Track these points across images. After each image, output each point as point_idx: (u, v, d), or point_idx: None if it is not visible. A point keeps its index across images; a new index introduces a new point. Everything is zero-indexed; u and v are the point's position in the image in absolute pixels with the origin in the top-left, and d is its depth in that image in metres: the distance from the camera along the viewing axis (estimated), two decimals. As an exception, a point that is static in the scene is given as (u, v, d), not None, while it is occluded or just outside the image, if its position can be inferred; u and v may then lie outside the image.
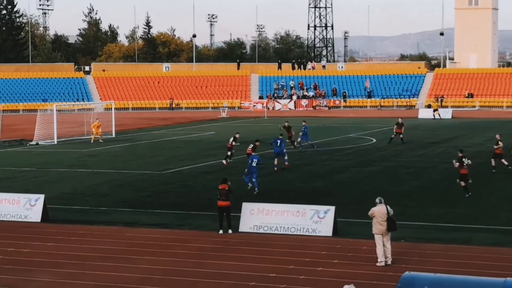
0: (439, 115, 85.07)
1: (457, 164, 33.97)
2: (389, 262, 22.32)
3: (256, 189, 35.05)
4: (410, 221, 28.29)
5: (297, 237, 25.91)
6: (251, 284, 20.46)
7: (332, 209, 26.42)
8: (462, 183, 33.58)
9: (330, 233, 25.96)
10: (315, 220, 26.34)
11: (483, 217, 29.10)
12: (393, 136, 56.42)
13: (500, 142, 40.72)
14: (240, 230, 26.87)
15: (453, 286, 12.57)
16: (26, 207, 29.48)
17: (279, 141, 42.96)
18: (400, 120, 57.41)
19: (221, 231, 26.61)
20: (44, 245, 25.25)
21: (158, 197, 34.71)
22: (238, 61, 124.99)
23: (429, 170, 42.18)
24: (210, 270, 21.91)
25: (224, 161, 44.80)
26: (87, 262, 23.00)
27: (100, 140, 59.80)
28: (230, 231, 26.64)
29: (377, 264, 22.24)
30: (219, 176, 30.34)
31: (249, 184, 35.93)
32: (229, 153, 45.16)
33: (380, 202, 22.78)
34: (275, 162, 42.43)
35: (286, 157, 43.27)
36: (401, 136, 56.11)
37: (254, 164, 35.73)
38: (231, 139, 45.99)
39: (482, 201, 32.44)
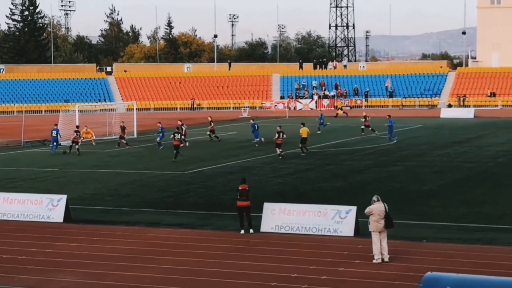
0: (338, 115, 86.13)
1: (276, 136, 47.59)
2: (386, 260, 22.34)
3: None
4: (433, 221, 28.18)
5: (319, 237, 25.86)
6: (273, 284, 20.44)
7: (353, 209, 26.36)
8: (278, 150, 47.22)
9: (351, 233, 25.90)
10: (336, 220, 26.28)
11: (508, 217, 28.89)
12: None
13: (277, 134, 47.80)
14: (261, 230, 26.86)
15: (476, 286, 12.49)
16: (49, 207, 29.60)
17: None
18: (278, 128, 49.49)
19: (242, 231, 26.60)
20: (67, 246, 25.34)
21: (179, 197, 34.76)
22: (229, 61, 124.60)
23: (452, 170, 41.98)
24: (231, 270, 21.92)
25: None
26: (109, 262, 23.07)
27: (93, 143, 59.25)
28: (251, 231, 26.63)
29: (374, 261, 22.32)
30: (241, 177, 30.33)
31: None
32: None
33: (378, 200, 22.78)
34: None
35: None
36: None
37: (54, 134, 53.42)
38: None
39: (506, 201, 32.22)
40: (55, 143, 54.11)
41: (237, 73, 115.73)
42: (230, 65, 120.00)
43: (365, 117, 64.55)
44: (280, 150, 47.69)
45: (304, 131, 49.57)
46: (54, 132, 54.47)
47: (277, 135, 48.17)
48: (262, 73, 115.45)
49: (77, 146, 53.38)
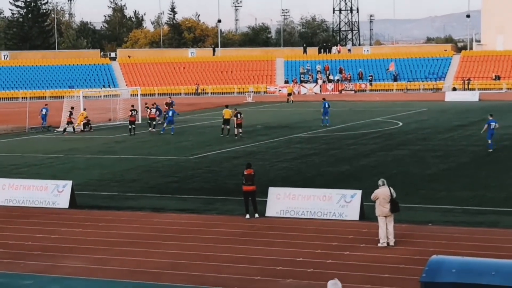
0: (292, 101, 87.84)
1: (234, 118, 50.91)
2: (392, 244, 22.40)
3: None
4: (438, 204, 28.20)
5: (324, 222, 25.88)
6: (278, 269, 20.49)
7: (358, 193, 26.37)
8: (237, 130, 50.79)
9: (357, 217, 25.92)
10: (341, 204, 26.30)
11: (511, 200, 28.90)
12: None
13: (233, 116, 51.42)
14: (266, 214, 26.89)
15: (481, 269, 12.49)
16: (54, 193, 29.65)
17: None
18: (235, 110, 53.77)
19: (247, 216, 26.64)
20: (72, 231, 25.41)
21: (185, 182, 34.79)
22: (213, 47, 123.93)
23: (457, 153, 41.96)
24: (237, 254, 21.96)
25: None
26: (114, 247, 23.13)
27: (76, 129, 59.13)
28: (256, 215, 26.67)
29: (379, 245, 22.38)
30: (245, 161, 30.35)
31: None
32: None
33: (383, 184, 22.78)
34: None
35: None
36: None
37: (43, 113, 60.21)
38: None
39: (510, 184, 32.19)
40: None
41: (240, 58, 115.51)
42: (214, 51, 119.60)
43: (168, 104, 64.84)
44: (240, 130, 51.16)
45: (226, 113, 53.22)
46: (44, 110, 61.37)
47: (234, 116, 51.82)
48: (266, 57, 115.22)
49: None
